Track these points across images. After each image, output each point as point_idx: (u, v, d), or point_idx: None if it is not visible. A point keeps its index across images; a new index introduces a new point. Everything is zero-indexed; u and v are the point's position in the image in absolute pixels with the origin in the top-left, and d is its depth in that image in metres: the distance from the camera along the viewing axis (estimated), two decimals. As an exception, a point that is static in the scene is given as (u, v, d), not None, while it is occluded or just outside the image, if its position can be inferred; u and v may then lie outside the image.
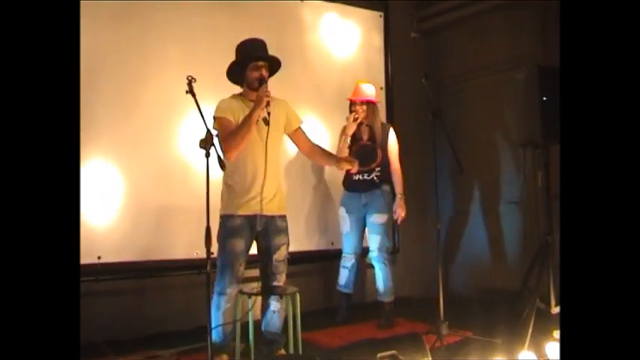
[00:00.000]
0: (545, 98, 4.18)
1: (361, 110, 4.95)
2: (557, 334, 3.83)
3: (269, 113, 3.64)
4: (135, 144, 4.58)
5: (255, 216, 3.72)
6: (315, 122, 5.44)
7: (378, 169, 5.02)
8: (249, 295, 3.60)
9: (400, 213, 5.00)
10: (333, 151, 4.63)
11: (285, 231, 3.85)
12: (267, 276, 3.81)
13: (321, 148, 4.06)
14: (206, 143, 3.21)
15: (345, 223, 5.07)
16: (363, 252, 5.19)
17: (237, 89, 3.89)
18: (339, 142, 5.03)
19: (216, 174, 3.23)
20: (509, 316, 4.31)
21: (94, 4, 4.36)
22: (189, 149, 4.62)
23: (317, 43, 5.69)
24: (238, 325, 3.63)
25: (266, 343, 3.80)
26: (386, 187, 5.06)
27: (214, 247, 3.25)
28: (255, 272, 3.97)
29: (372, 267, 5.14)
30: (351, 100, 5.03)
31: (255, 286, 3.87)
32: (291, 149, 5.30)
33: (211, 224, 3.09)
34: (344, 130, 5.02)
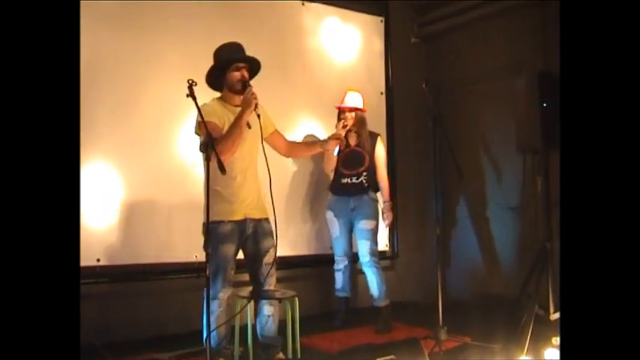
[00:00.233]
0: (545, 104, 4.18)
1: (350, 118, 5.01)
2: (555, 340, 3.83)
3: (259, 115, 3.64)
4: (135, 147, 4.58)
5: (244, 220, 3.73)
6: (314, 126, 5.44)
7: (366, 173, 5.07)
8: (249, 299, 3.60)
9: (389, 217, 5.12)
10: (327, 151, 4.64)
11: (272, 234, 3.87)
12: (257, 280, 3.82)
13: (298, 142, 4.07)
14: (206, 147, 3.22)
15: (334, 226, 5.12)
16: (354, 254, 5.21)
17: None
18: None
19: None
20: (507, 322, 4.31)
21: (95, 6, 4.37)
22: (189, 153, 4.62)
23: (317, 48, 5.70)
24: (237, 329, 3.62)
25: (263, 348, 3.80)
26: (373, 194, 5.13)
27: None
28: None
29: (364, 273, 5.15)
30: (339, 108, 5.09)
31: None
32: (289, 159, 5.33)
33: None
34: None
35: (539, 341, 3.89)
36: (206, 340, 3.26)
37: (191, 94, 3.31)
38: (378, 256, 5.14)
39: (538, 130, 4.24)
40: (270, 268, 3.81)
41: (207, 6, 4.98)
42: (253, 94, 3.57)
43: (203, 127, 3.30)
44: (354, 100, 5.09)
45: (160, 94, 4.62)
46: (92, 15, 4.31)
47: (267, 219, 3.86)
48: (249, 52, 3.84)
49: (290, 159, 5.30)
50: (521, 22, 5.62)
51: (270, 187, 3.53)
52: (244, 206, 3.71)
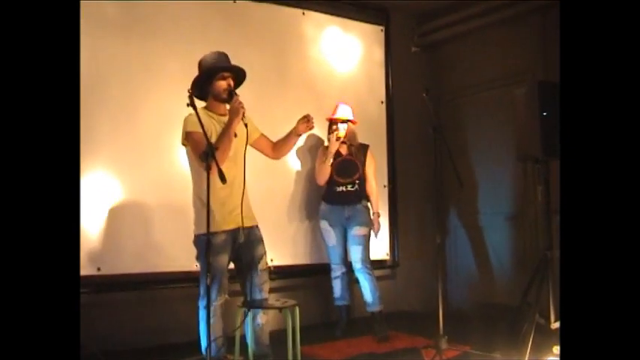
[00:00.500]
0: (545, 113, 4.19)
1: (342, 129, 5.10)
2: (556, 349, 3.83)
3: (246, 125, 3.64)
4: (135, 156, 4.59)
5: (237, 229, 3.74)
6: (314, 136, 5.45)
7: (358, 182, 5.13)
8: (249, 308, 3.60)
9: (376, 228, 5.20)
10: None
11: (262, 241, 3.89)
12: (252, 288, 3.81)
13: (278, 141, 4.05)
14: (206, 156, 3.23)
15: (330, 235, 5.15)
16: (350, 262, 5.22)
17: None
18: (320, 160, 5.13)
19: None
20: (508, 331, 4.31)
21: (96, 16, 4.39)
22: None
23: (318, 57, 5.71)
24: (237, 338, 3.62)
25: (256, 358, 3.78)
26: (366, 203, 5.20)
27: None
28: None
29: (356, 279, 5.17)
30: (332, 120, 5.17)
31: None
32: (289, 165, 5.34)
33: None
34: (325, 149, 5.14)
35: (540, 350, 3.89)
36: (206, 349, 3.26)
37: (191, 104, 3.33)
38: (371, 262, 5.16)
39: (538, 138, 4.24)
40: (264, 275, 3.83)
41: (208, 14, 5.01)
42: (240, 103, 3.58)
43: (200, 137, 3.33)
44: (345, 112, 5.18)
45: (160, 103, 4.63)
46: (92, 22, 4.34)
47: (257, 226, 3.88)
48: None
49: (294, 168, 5.38)
50: (521, 32, 5.64)
51: (244, 192, 3.66)
52: (235, 215, 3.71)
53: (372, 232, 5.20)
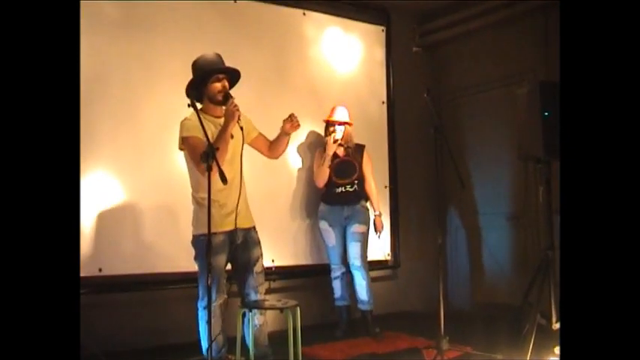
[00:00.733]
0: (546, 113, 4.19)
1: (340, 131, 5.12)
2: (558, 349, 3.82)
3: (242, 128, 3.65)
4: (137, 156, 4.59)
5: (234, 230, 3.74)
6: (316, 136, 5.45)
7: (357, 182, 5.16)
8: (249, 309, 3.60)
9: (379, 227, 5.25)
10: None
11: (259, 243, 3.89)
12: (248, 289, 3.82)
13: (272, 141, 4.03)
14: (207, 157, 3.22)
15: (330, 236, 5.17)
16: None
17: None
18: (318, 163, 5.16)
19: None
20: (510, 332, 4.29)
21: (97, 15, 4.40)
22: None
23: (318, 57, 5.71)
24: (238, 339, 3.62)
25: (256, 359, 3.78)
26: (364, 203, 5.23)
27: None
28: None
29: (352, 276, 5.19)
30: (329, 122, 5.19)
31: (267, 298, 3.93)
32: (290, 165, 5.33)
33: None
34: (322, 152, 5.15)
35: (541, 350, 3.88)
36: (207, 350, 3.26)
37: (192, 104, 3.33)
38: (368, 261, 5.19)
39: (540, 139, 4.23)
40: (260, 277, 3.84)
41: (209, 14, 5.01)
42: (236, 105, 3.58)
43: (196, 141, 3.32)
44: (342, 114, 5.20)
45: (161, 102, 4.63)
46: (93, 21, 4.34)
47: (254, 228, 3.89)
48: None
49: (294, 166, 5.40)
50: (522, 32, 5.63)
51: (240, 194, 3.67)
52: (234, 216, 3.71)
53: (374, 232, 5.22)
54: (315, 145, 5.43)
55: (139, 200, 4.59)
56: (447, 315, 4.06)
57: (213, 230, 3.43)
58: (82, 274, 3.68)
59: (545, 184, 4.38)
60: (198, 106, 3.73)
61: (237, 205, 3.70)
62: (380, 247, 5.70)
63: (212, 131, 3.63)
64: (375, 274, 5.77)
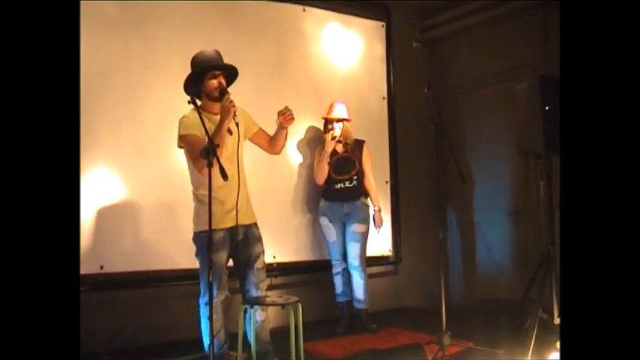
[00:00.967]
0: (547, 108, 4.18)
1: (338, 128, 5.12)
2: (559, 344, 3.82)
3: (237, 124, 3.63)
4: (137, 153, 4.59)
5: (235, 227, 3.74)
6: (316, 131, 5.45)
7: (356, 178, 5.16)
8: (251, 305, 3.61)
9: (378, 223, 5.24)
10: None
11: (261, 239, 3.89)
12: (249, 286, 3.82)
13: (271, 136, 4.02)
14: (208, 153, 3.22)
15: (330, 232, 5.17)
16: None
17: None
18: (317, 160, 5.17)
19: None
20: (511, 327, 4.30)
21: (97, 14, 4.40)
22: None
23: (319, 53, 5.70)
24: (240, 335, 3.63)
25: (259, 355, 3.78)
26: (364, 199, 5.22)
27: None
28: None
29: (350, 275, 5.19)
30: (326, 119, 5.19)
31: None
32: (291, 161, 5.33)
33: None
34: (321, 149, 5.16)
35: (543, 345, 3.88)
36: (209, 346, 3.27)
37: (192, 102, 3.33)
38: (369, 257, 5.22)
39: (540, 134, 4.23)
40: (261, 274, 3.84)
41: (209, 11, 5.00)
42: (231, 101, 3.56)
43: (194, 138, 3.31)
44: (340, 111, 5.19)
45: (161, 100, 4.62)
46: (92, 20, 4.33)
47: (255, 224, 3.89)
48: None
49: (295, 161, 5.40)
50: (522, 26, 5.62)
51: (239, 190, 3.67)
52: (234, 213, 3.71)
53: (374, 228, 5.22)
54: (316, 140, 5.42)
55: (140, 198, 4.59)
56: (448, 310, 4.06)
57: (214, 227, 3.43)
58: (82, 272, 3.69)
59: (546, 179, 4.37)
60: (198, 103, 3.74)
61: (237, 202, 3.70)
62: (381, 243, 5.70)
63: (210, 128, 3.62)
64: (376, 269, 5.79)
